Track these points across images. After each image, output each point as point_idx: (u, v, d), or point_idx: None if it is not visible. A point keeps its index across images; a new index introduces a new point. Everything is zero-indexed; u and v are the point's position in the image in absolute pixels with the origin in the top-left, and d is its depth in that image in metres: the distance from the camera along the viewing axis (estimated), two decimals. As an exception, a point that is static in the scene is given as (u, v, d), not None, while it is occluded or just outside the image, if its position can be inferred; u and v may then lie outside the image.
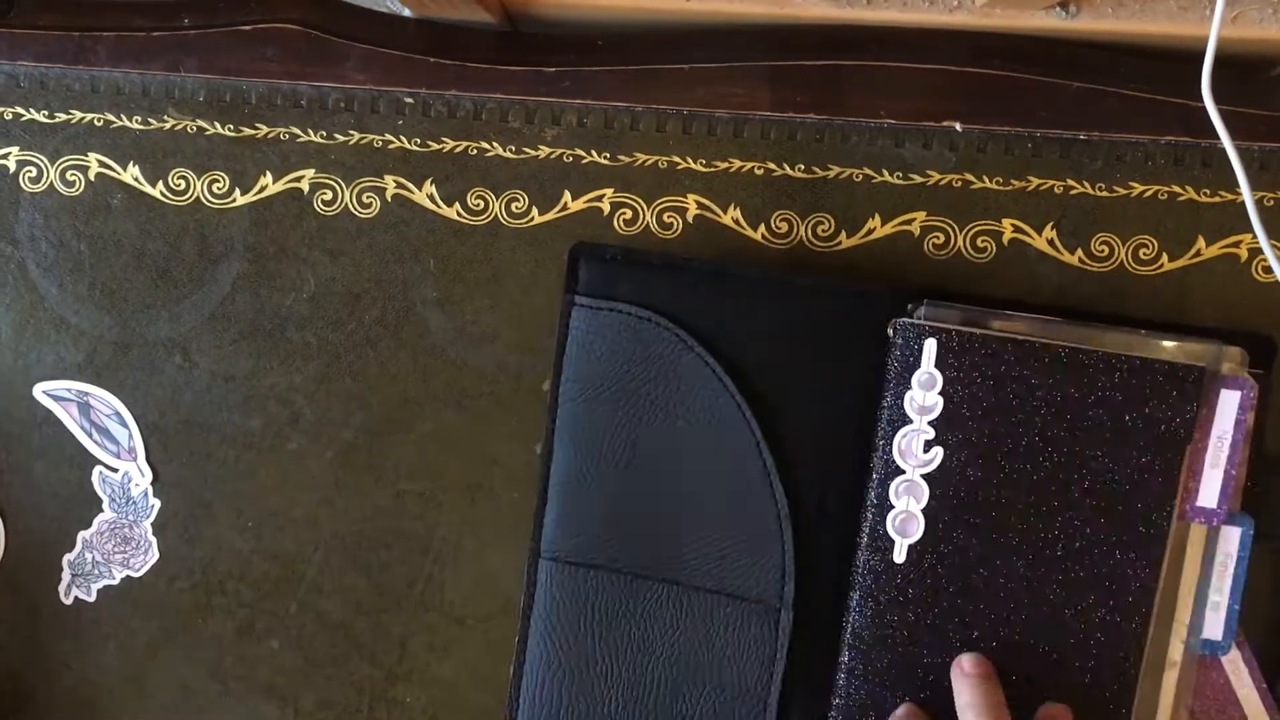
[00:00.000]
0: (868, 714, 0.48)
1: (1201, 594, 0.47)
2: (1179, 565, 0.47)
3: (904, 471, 0.48)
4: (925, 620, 0.47)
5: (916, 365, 0.47)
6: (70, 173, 0.55)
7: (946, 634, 0.47)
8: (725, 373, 0.49)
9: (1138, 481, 0.46)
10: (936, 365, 0.47)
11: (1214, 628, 0.47)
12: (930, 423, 0.47)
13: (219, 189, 0.54)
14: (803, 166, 0.52)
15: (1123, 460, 0.46)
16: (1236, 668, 0.48)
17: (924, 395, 0.47)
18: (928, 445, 0.47)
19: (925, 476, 0.47)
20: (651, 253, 0.52)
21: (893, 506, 0.48)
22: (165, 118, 0.54)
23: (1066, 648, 0.46)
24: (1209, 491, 0.46)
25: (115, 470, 0.56)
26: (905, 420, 0.47)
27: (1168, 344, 0.46)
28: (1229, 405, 0.46)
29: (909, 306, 0.49)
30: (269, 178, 0.54)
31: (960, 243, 0.52)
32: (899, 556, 0.48)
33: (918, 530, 0.47)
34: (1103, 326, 0.47)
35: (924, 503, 0.47)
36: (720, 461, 0.49)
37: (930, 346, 0.47)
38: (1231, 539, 0.47)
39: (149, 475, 0.56)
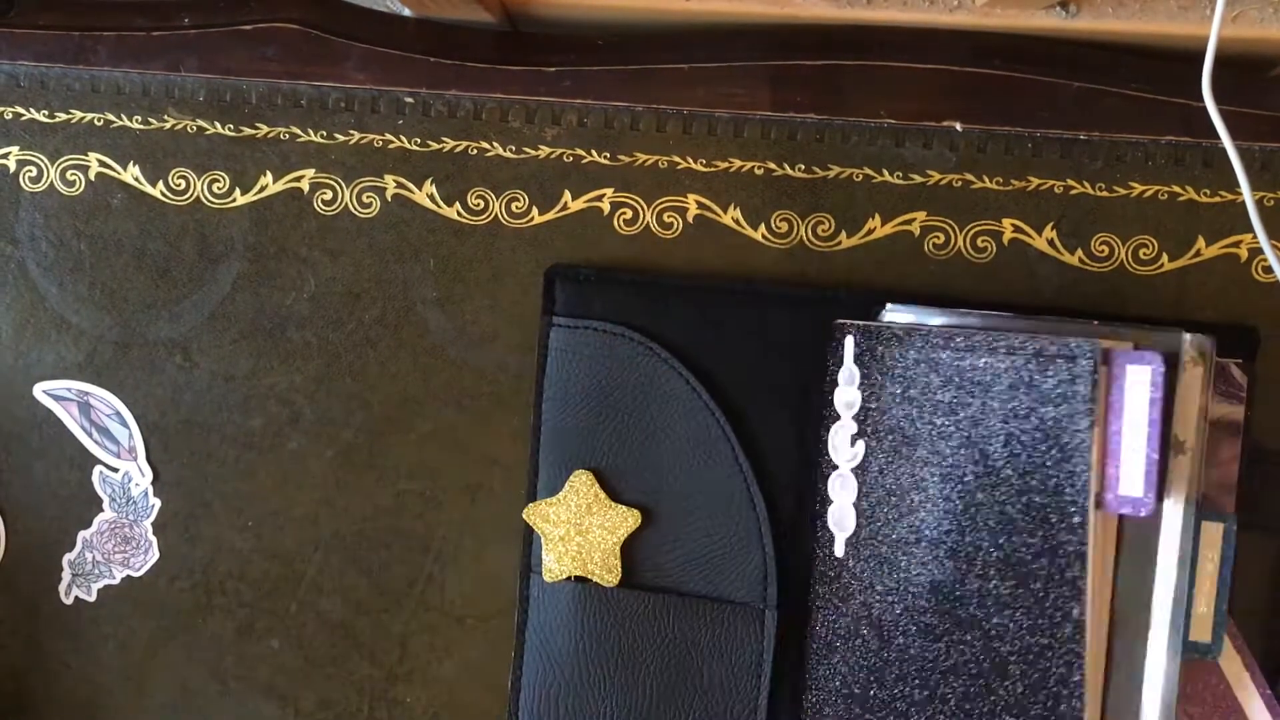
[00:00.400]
0: (825, 709, 0.48)
1: (1183, 595, 0.45)
2: (1142, 562, 0.45)
3: (837, 467, 0.48)
4: (866, 613, 0.47)
5: (842, 362, 0.48)
6: (70, 172, 0.55)
7: (884, 626, 0.47)
8: (699, 383, 0.50)
9: (1043, 468, 0.44)
10: (855, 361, 0.48)
11: (1201, 630, 0.46)
12: (854, 417, 0.48)
13: (219, 189, 0.54)
14: (803, 166, 0.52)
15: (1025, 447, 0.45)
16: (1236, 671, 0.48)
17: (848, 391, 0.48)
18: (853, 439, 0.48)
19: (853, 470, 0.48)
20: (624, 271, 0.52)
21: (831, 501, 0.48)
22: (165, 117, 0.54)
23: (996, 635, 0.46)
24: (1131, 478, 0.44)
25: (115, 470, 0.56)
26: (836, 416, 0.48)
27: (1123, 333, 0.45)
28: (1139, 383, 0.43)
29: (873, 310, 0.49)
30: (269, 177, 0.54)
31: (960, 243, 0.52)
32: (839, 550, 0.48)
33: (851, 524, 0.48)
34: (1059, 319, 0.47)
35: (854, 496, 0.48)
36: (699, 469, 0.51)
37: (849, 343, 0.47)
38: (1214, 537, 0.46)
39: (149, 475, 0.56)
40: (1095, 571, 0.44)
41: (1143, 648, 0.46)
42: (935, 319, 0.48)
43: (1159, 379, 0.43)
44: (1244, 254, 0.51)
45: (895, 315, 0.49)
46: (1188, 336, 0.45)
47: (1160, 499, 0.45)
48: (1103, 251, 0.52)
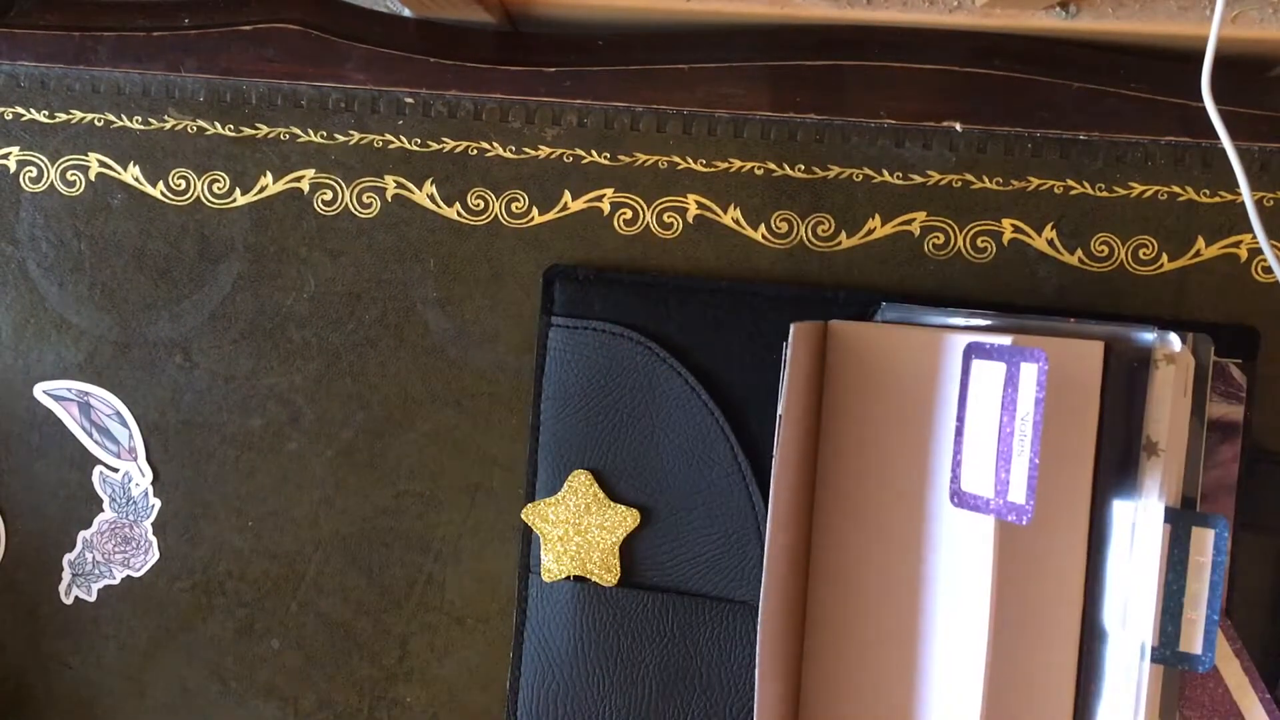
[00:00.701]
0: None
1: (1174, 604, 0.43)
2: (1119, 567, 0.44)
3: None
4: None
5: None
6: (71, 173, 0.55)
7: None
8: (699, 383, 0.51)
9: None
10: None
11: (1190, 638, 0.43)
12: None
13: (219, 189, 0.54)
14: (803, 166, 0.52)
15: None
16: (1236, 675, 0.47)
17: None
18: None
19: None
20: (624, 271, 0.53)
21: None
22: (165, 118, 0.54)
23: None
24: (1017, 484, 0.40)
25: (115, 470, 0.56)
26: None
27: (1096, 330, 0.45)
28: (1029, 381, 0.40)
29: (869, 310, 0.50)
30: (269, 178, 0.54)
31: (960, 243, 0.52)
32: None
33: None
34: (1038, 317, 0.47)
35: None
36: (698, 469, 0.51)
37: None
38: (1205, 542, 0.43)
39: (149, 475, 0.56)
40: (993, 576, 0.43)
41: (1119, 655, 0.44)
42: (930, 318, 0.48)
43: (1044, 378, 0.40)
44: (1244, 254, 0.51)
45: (890, 315, 0.49)
46: (1156, 335, 0.44)
47: (1134, 501, 0.44)
48: (1102, 251, 0.52)
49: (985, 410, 0.42)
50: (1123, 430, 0.44)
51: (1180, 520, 0.44)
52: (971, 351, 0.42)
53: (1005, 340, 0.41)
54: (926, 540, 0.45)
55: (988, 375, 0.41)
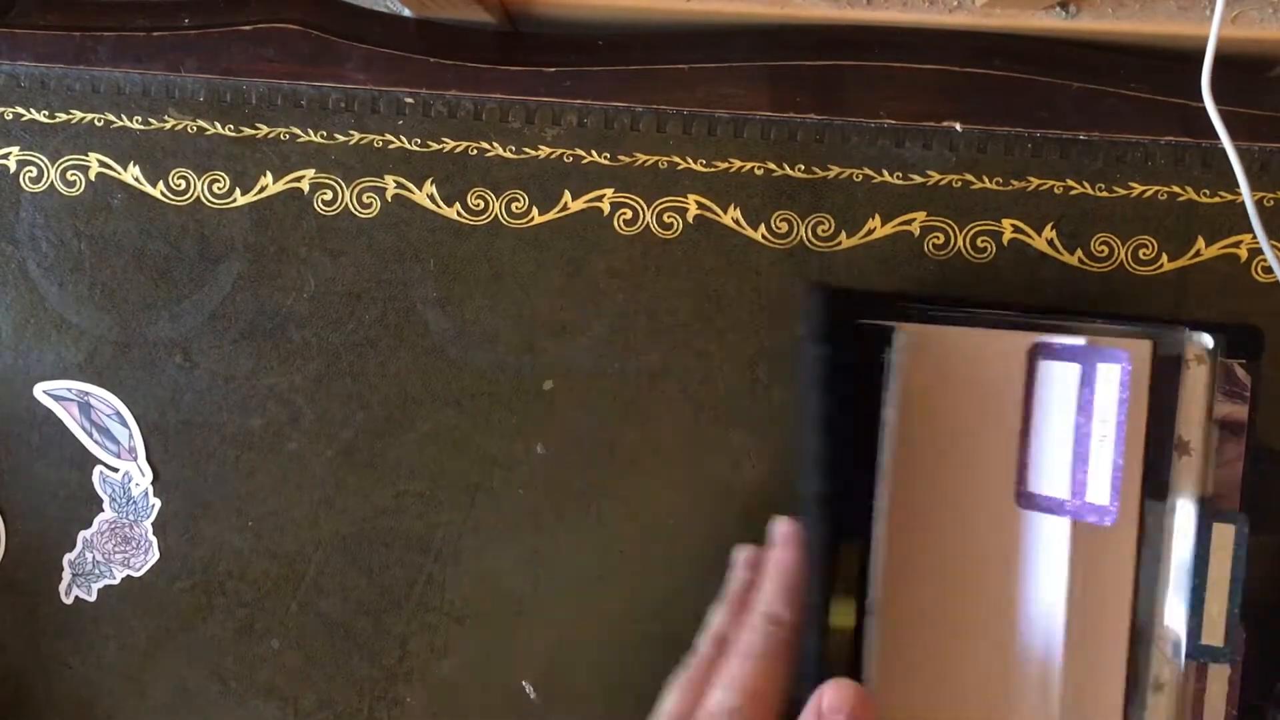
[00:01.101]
0: None
1: (1197, 599, 0.45)
2: (1153, 567, 0.44)
3: None
4: None
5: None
6: (71, 173, 0.55)
7: None
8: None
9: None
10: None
11: (1213, 633, 0.45)
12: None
13: (219, 189, 0.54)
14: (803, 166, 0.52)
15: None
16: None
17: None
18: None
19: None
20: (883, 292, 0.49)
21: None
22: (166, 118, 0.54)
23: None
24: (1098, 485, 0.41)
25: (115, 470, 0.56)
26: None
27: (1127, 331, 0.44)
28: (1109, 382, 0.40)
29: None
30: (269, 178, 0.54)
31: (960, 243, 0.52)
32: None
33: None
34: (1058, 317, 0.46)
35: None
36: None
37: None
38: (1226, 538, 0.45)
39: (149, 475, 0.56)
40: (1069, 578, 0.42)
41: (1156, 653, 0.45)
42: (955, 315, 0.48)
43: (1128, 378, 0.40)
44: (1244, 254, 0.51)
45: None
46: (1189, 334, 0.44)
47: (1165, 500, 0.44)
48: (1102, 251, 0.52)
49: (1054, 411, 0.41)
50: (1155, 430, 0.44)
51: (1203, 516, 0.44)
52: (1038, 352, 0.42)
53: (1079, 341, 0.41)
54: (994, 544, 0.44)
55: (1057, 376, 0.41)
